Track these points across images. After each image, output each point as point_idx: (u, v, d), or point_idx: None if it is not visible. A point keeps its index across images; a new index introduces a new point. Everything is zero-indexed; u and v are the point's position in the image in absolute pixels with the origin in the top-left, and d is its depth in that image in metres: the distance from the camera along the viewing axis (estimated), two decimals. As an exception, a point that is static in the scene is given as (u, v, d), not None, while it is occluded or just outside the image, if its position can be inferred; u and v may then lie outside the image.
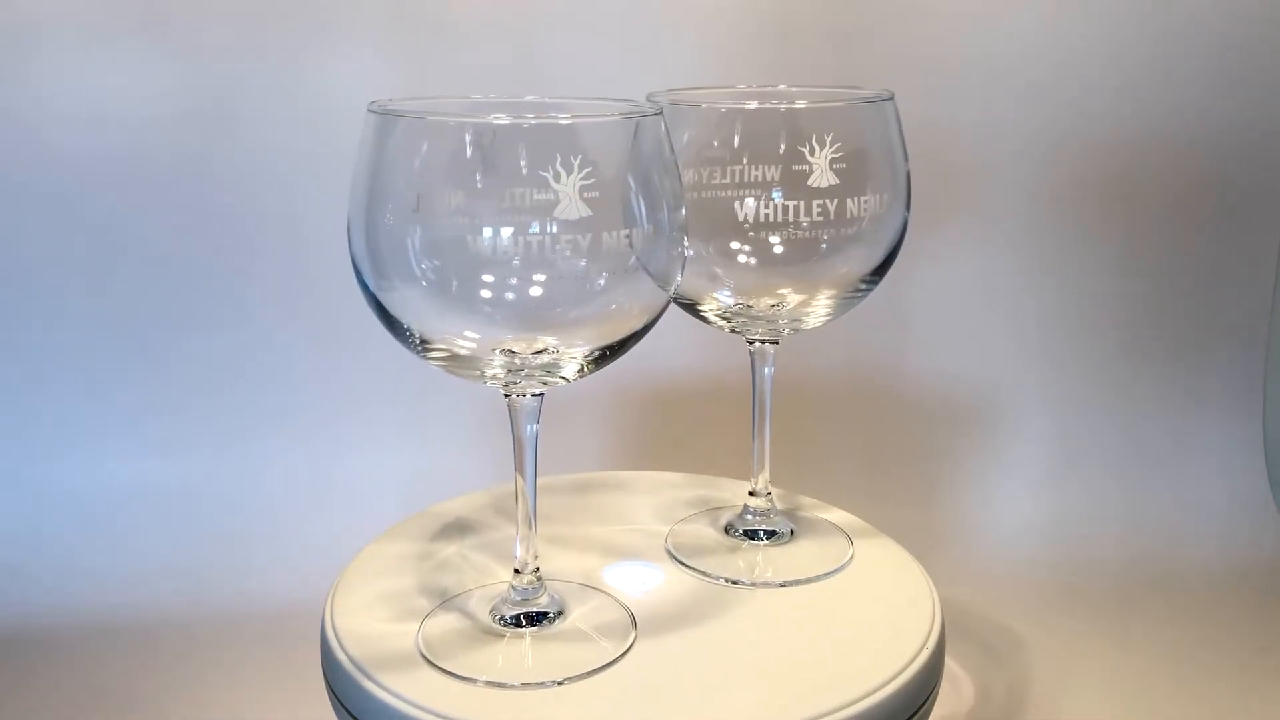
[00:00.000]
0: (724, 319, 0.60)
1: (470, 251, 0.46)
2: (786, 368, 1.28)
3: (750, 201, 0.56)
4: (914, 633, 0.56)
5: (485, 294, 0.47)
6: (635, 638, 0.55)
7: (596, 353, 0.49)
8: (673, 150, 0.49)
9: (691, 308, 0.60)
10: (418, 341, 0.49)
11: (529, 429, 0.53)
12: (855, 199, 0.56)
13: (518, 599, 0.56)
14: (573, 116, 0.47)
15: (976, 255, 1.25)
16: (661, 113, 0.48)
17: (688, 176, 0.56)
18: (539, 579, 0.56)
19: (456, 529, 0.68)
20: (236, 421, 1.24)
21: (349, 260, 0.51)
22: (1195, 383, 1.29)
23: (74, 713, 0.98)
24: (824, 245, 0.56)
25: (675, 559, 0.64)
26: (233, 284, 1.22)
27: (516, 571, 0.56)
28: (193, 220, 1.20)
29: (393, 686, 0.51)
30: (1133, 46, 1.20)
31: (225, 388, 1.24)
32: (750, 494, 0.67)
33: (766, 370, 0.63)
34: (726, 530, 0.67)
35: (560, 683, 0.51)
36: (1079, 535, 1.24)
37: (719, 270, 0.57)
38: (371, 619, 0.58)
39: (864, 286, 0.59)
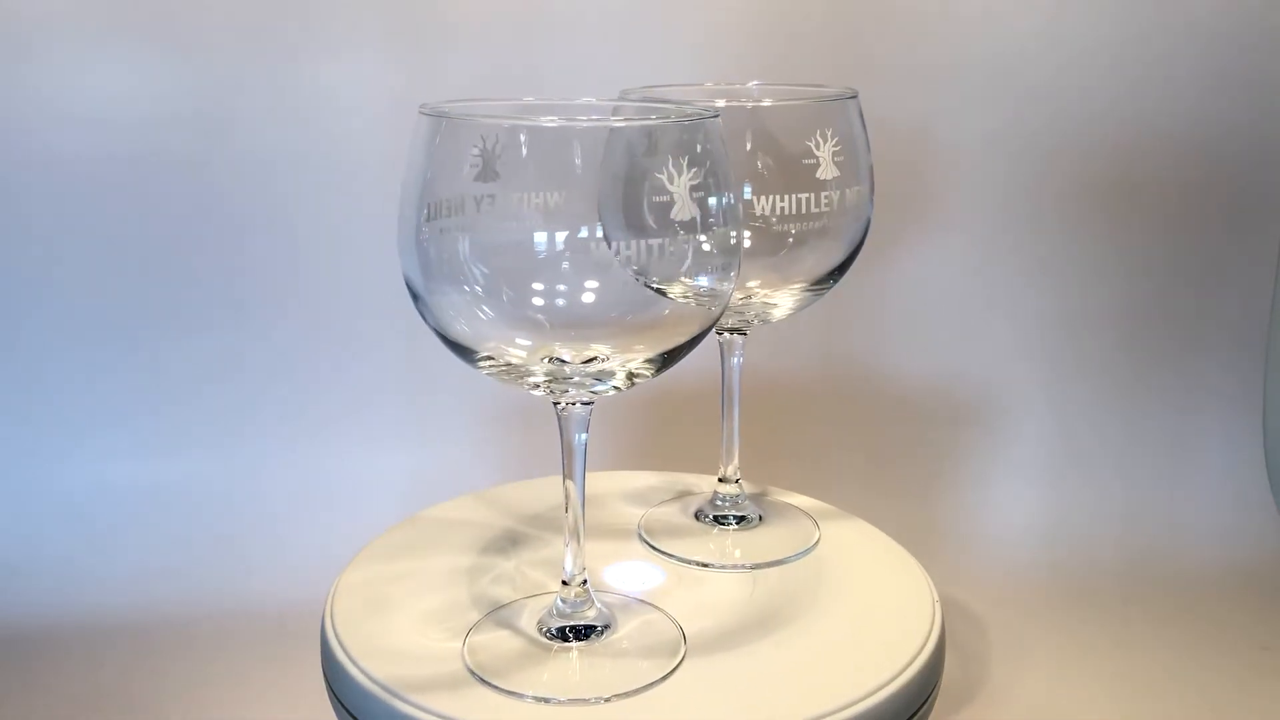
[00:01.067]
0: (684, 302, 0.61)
1: (522, 256, 0.45)
2: (786, 369, 1.28)
3: (713, 198, 0.57)
4: (914, 633, 0.56)
5: (537, 301, 0.45)
6: (684, 654, 0.54)
7: (657, 360, 0.48)
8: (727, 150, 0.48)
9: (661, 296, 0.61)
10: (466, 349, 0.48)
11: (578, 438, 0.52)
12: (829, 192, 0.57)
13: (566, 611, 0.55)
14: (676, 118, 0.46)
15: (977, 255, 1.25)
16: (720, 114, 0.47)
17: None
18: (587, 591, 0.55)
19: (459, 532, 0.68)
20: (235, 422, 1.24)
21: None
22: (1195, 383, 1.29)
23: (73, 713, 0.98)
24: (790, 239, 0.57)
25: (646, 543, 0.65)
26: (232, 285, 1.22)
27: (564, 583, 0.55)
28: (193, 221, 1.20)
29: (434, 706, 0.50)
30: (1133, 48, 1.20)
31: (224, 388, 1.24)
32: (720, 480, 0.68)
33: (735, 360, 0.64)
34: (697, 516, 0.68)
35: (608, 699, 0.50)
36: (1079, 535, 1.24)
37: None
38: (380, 631, 0.57)
39: (830, 281, 0.60)
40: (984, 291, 1.26)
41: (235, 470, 1.23)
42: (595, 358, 0.47)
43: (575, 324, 0.46)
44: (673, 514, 0.69)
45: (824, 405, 1.27)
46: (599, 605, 0.55)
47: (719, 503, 0.68)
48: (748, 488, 0.70)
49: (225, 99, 1.17)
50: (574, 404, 0.50)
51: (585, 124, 0.45)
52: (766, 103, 0.57)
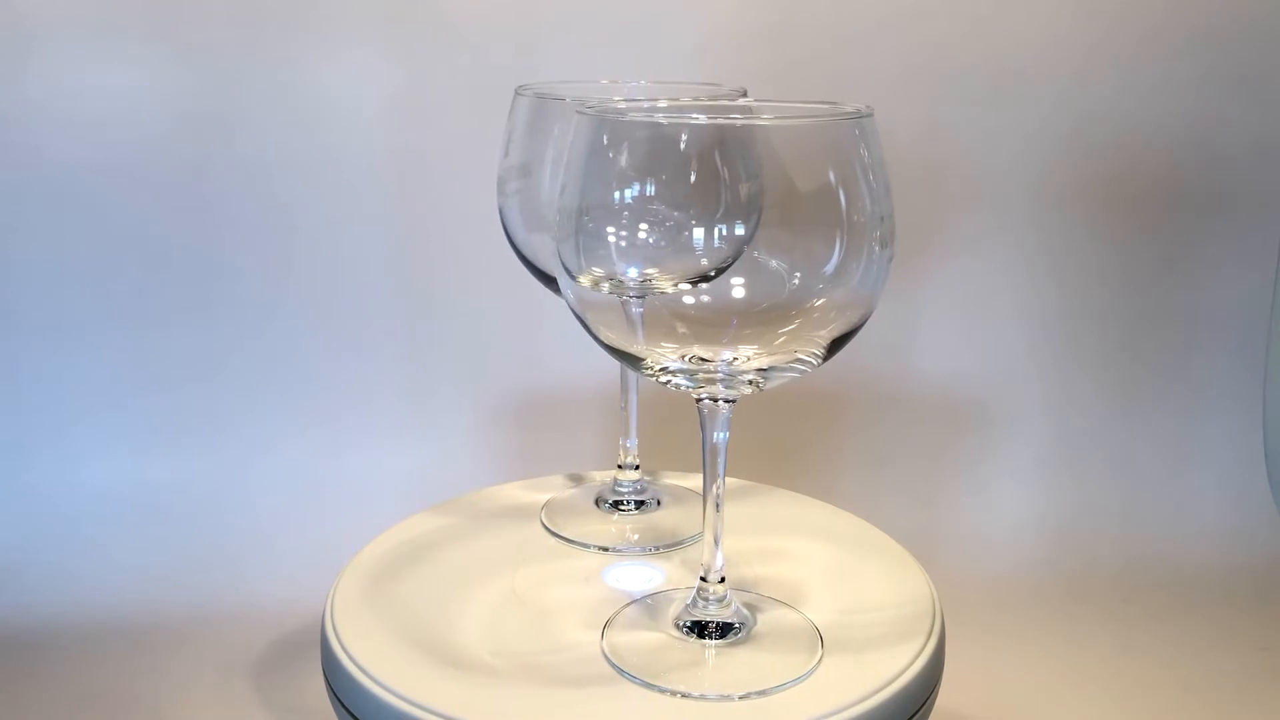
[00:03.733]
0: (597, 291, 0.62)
1: (674, 253, 0.46)
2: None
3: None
4: (914, 633, 0.56)
5: (687, 300, 0.46)
6: (823, 655, 0.54)
7: (818, 356, 0.48)
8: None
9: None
10: (611, 347, 0.49)
11: (718, 436, 0.52)
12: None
13: (705, 607, 0.55)
14: (842, 116, 0.46)
15: (977, 255, 1.25)
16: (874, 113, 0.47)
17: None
18: (725, 588, 0.55)
19: (459, 532, 0.68)
20: (235, 421, 1.24)
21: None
22: (1195, 383, 1.29)
23: (72, 713, 0.97)
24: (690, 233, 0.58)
25: (549, 530, 0.66)
26: (232, 284, 1.22)
27: (702, 580, 0.55)
28: (192, 220, 1.20)
29: (435, 706, 0.50)
30: (1132, 47, 1.20)
31: (224, 387, 1.24)
32: (619, 467, 0.69)
33: None
34: (597, 503, 0.70)
35: (743, 697, 0.50)
36: (1079, 535, 1.24)
37: (599, 249, 0.59)
38: (381, 631, 0.57)
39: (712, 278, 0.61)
40: (984, 291, 1.26)
41: (235, 470, 1.23)
42: (736, 358, 0.47)
43: (723, 322, 0.47)
44: (575, 501, 0.70)
45: (821, 405, 1.27)
46: (735, 603, 0.56)
47: (619, 488, 0.69)
48: (647, 473, 0.72)
49: (225, 99, 1.17)
50: (717, 401, 0.50)
51: (741, 121, 0.46)
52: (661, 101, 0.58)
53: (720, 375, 0.48)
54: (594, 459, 1.21)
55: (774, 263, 0.45)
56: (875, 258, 0.47)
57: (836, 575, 0.63)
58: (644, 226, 0.47)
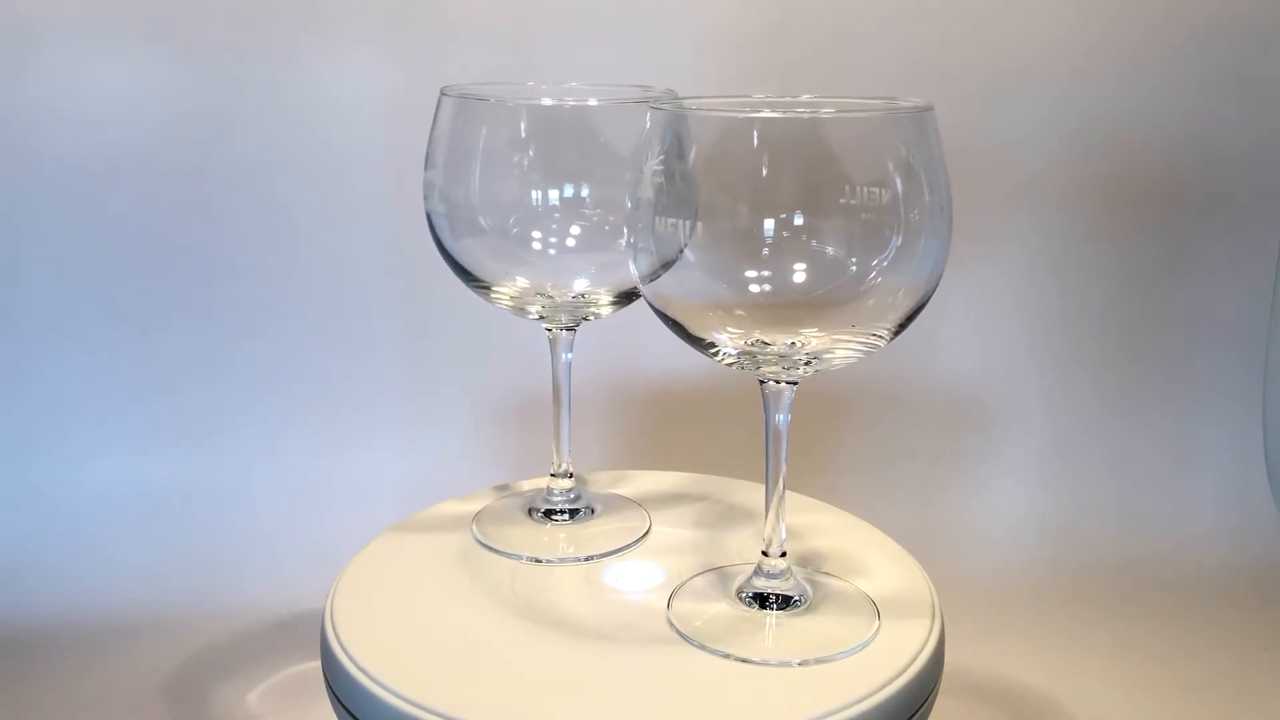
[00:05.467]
0: (516, 304, 0.62)
1: (742, 241, 0.47)
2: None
3: (537, 192, 0.59)
4: (914, 633, 0.56)
5: (754, 289, 0.47)
6: (879, 627, 0.56)
7: (888, 333, 0.51)
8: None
9: (486, 290, 0.62)
10: (678, 326, 0.50)
11: (780, 418, 0.54)
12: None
13: (766, 580, 0.57)
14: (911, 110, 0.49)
15: (977, 255, 1.25)
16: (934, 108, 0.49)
17: (491, 168, 0.59)
18: (786, 562, 0.58)
19: (458, 532, 0.68)
20: (236, 421, 1.24)
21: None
22: (1195, 383, 1.29)
23: (72, 713, 0.97)
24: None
25: (480, 543, 0.66)
26: (232, 284, 1.22)
27: (764, 554, 0.57)
28: (193, 220, 1.20)
29: (434, 706, 0.50)
30: (1132, 47, 1.20)
31: (225, 387, 1.24)
32: (552, 475, 0.69)
33: (565, 357, 0.67)
34: (530, 513, 0.69)
35: (801, 663, 0.52)
36: (1079, 535, 1.24)
37: (518, 253, 0.60)
38: (382, 630, 0.57)
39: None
40: (984, 291, 1.26)
41: (235, 470, 1.23)
42: (795, 341, 0.49)
43: (785, 307, 0.48)
44: (508, 511, 0.70)
45: (822, 406, 1.27)
46: (795, 576, 0.58)
47: (551, 497, 0.69)
48: (579, 481, 0.72)
49: (225, 99, 1.17)
50: (780, 383, 0.52)
51: (808, 116, 0.47)
52: (592, 102, 0.58)
53: (780, 353, 0.50)
54: (594, 458, 1.21)
55: (831, 250, 0.47)
56: (929, 246, 0.49)
57: (836, 575, 0.63)
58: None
